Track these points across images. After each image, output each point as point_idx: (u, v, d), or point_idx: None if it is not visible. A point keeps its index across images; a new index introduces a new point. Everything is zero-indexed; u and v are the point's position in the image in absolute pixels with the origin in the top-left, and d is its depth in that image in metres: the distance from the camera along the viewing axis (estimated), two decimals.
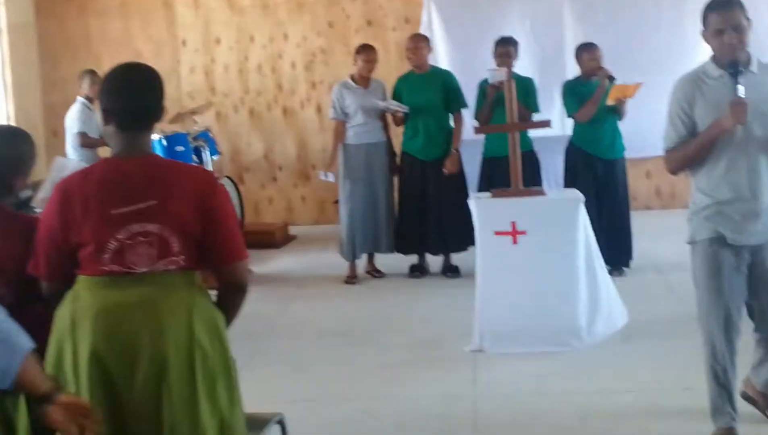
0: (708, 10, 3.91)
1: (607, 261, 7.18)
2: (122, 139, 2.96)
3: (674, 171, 4.14)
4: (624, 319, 6.04)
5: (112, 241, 2.85)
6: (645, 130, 9.58)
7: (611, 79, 7.26)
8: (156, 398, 2.83)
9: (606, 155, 7.43)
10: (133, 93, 2.96)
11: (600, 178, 7.40)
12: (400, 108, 7.60)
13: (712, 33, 3.88)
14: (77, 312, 2.87)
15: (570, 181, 7.49)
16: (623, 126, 7.55)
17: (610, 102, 7.19)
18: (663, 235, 8.62)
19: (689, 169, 4.06)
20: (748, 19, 3.86)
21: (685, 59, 9.94)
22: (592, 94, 7.27)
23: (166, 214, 2.87)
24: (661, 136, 10.63)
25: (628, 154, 7.73)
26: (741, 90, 3.78)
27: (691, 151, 3.95)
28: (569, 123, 7.96)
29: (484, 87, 7.52)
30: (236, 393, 3.01)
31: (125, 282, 2.86)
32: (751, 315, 4.15)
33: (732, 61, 3.84)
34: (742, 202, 3.91)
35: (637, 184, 9.81)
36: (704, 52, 10.88)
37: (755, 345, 4.20)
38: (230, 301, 3.06)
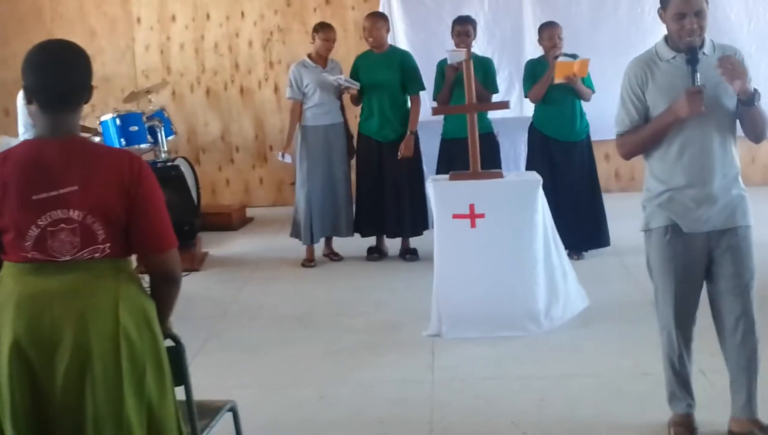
0: None
1: (567, 244, 7.16)
2: (45, 120, 2.83)
3: (627, 156, 3.97)
4: (584, 302, 6.01)
5: (33, 227, 2.74)
6: (603, 113, 9.48)
7: (556, 57, 7.17)
8: (79, 390, 2.73)
9: (564, 137, 7.36)
10: (55, 71, 2.82)
11: (557, 160, 7.33)
12: (352, 84, 7.46)
13: (671, 16, 3.75)
14: (0, 299, 2.78)
15: (530, 163, 7.43)
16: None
17: (558, 80, 7.09)
18: (621, 218, 8.55)
19: (642, 154, 3.94)
20: (707, 2, 3.75)
21: (645, 40, 9.91)
22: None
23: (88, 200, 2.76)
24: None
25: None
26: (698, 78, 3.67)
27: (644, 137, 3.84)
28: (529, 103, 7.90)
29: (442, 67, 7.41)
30: (168, 383, 2.91)
31: (49, 269, 2.76)
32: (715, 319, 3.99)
33: (690, 47, 3.71)
34: (696, 188, 3.79)
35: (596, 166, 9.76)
36: (659, 33, 10.92)
37: (725, 362, 4.01)
38: (161, 292, 2.95)
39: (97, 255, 2.78)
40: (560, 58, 7.15)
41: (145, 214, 2.83)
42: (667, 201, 3.84)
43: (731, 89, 3.72)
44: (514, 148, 8.91)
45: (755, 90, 3.69)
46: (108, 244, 2.79)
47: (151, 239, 2.87)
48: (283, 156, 7.69)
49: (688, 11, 3.69)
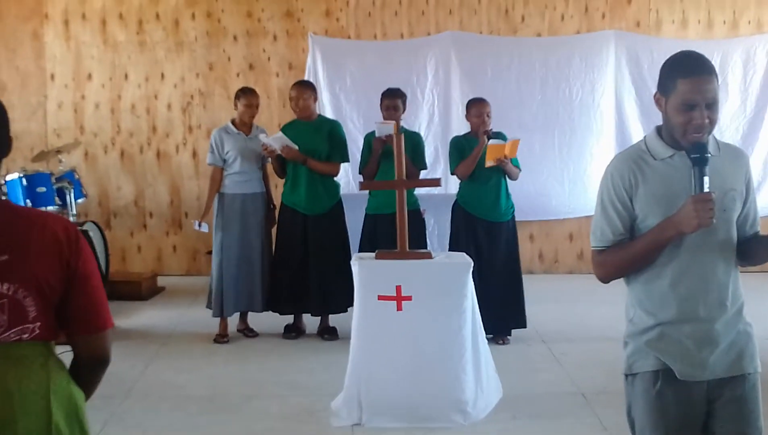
0: (676, 74, 2.93)
1: (491, 328, 6.90)
2: None
3: (606, 278, 3.09)
4: (499, 393, 5.65)
5: None
6: (529, 193, 9.48)
7: (488, 136, 6.97)
8: None
9: (489, 217, 7.11)
10: None
11: (482, 240, 7.07)
12: (292, 144, 7.06)
13: (676, 106, 2.91)
14: None
15: (454, 242, 7.17)
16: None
17: (489, 163, 6.88)
18: (546, 302, 8.41)
19: (625, 277, 3.09)
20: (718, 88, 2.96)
21: (572, 121, 9.95)
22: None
23: (21, 271, 2.37)
24: (544, 197, 10.43)
25: None
26: (707, 182, 2.87)
27: (633, 256, 2.98)
28: (453, 180, 7.68)
29: (370, 140, 7.15)
30: None
31: None
32: None
33: (698, 145, 2.89)
34: (694, 324, 2.94)
35: (519, 247, 9.58)
36: (587, 115, 10.80)
37: None
38: (89, 375, 2.57)
39: (25, 336, 2.39)
40: (491, 141, 6.94)
41: (85, 289, 2.47)
42: (658, 338, 2.99)
43: (738, 202, 3.01)
44: (438, 226, 8.70)
45: None
46: (38, 323, 2.40)
47: (90, 318, 2.49)
48: (199, 225, 7.30)
49: (699, 102, 2.88)
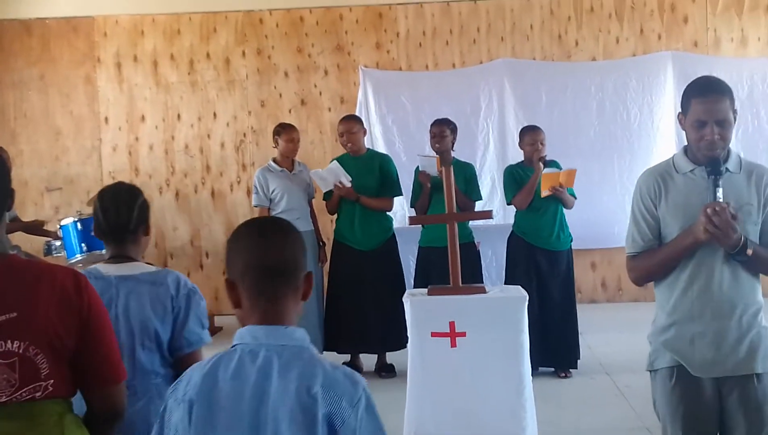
0: (691, 95, 3.27)
1: (551, 362, 6.73)
2: None
3: (638, 281, 3.44)
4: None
5: None
6: (588, 220, 9.24)
7: (545, 163, 6.80)
8: None
9: (548, 246, 6.91)
10: None
11: (541, 269, 6.88)
12: (345, 175, 6.93)
13: (691, 123, 3.25)
14: None
15: (511, 272, 6.98)
16: (567, 214, 7.05)
17: (544, 193, 6.71)
18: (609, 331, 8.17)
19: (654, 281, 3.42)
20: (735, 111, 3.24)
21: (632, 146, 9.71)
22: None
23: (30, 327, 2.28)
24: (605, 224, 10.14)
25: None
26: (720, 194, 3.16)
27: (659, 261, 3.32)
28: (511, 211, 7.50)
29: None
30: None
31: None
32: None
33: (712, 159, 3.22)
34: (704, 324, 3.24)
35: (581, 276, 9.38)
36: (647, 138, 10.50)
37: None
38: (102, 429, 2.50)
39: (38, 394, 2.30)
40: (545, 170, 6.76)
41: (98, 340, 2.42)
42: (673, 338, 3.32)
43: (755, 215, 3.26)
44: (497, 258, 8.48)
45: (744, 240, 3.15)
46: (51, 381, 2.32)
47: (105, 370, 2.45)
48: None
49: (709, 119, 3.19)
